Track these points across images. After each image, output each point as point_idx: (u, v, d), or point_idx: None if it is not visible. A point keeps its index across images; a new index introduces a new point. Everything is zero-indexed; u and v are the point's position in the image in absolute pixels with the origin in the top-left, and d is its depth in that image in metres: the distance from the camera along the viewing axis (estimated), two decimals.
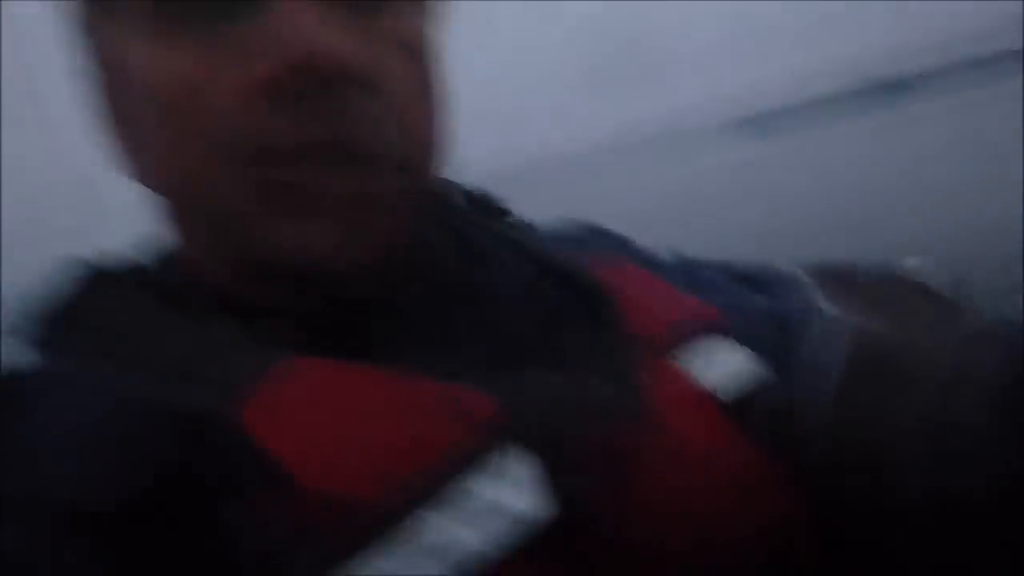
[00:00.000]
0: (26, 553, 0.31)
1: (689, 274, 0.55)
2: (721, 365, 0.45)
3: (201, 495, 0.33)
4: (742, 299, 0.53)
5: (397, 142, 0.39)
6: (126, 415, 0.34)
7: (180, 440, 0.34)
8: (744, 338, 0.47)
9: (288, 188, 0.37)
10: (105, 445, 0.33)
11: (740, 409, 0.43)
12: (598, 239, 0.56)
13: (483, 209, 0.52)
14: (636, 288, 0.48)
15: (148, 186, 0.42)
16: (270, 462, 0.33)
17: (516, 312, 0.45)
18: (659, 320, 0.46)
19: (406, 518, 0.33)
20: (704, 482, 0.39)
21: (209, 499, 0.33)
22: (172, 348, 0.38)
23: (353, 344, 0.39)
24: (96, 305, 0.41)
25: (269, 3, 0.36)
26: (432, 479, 0.33)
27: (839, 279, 0.48)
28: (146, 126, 0.39)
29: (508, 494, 0.34)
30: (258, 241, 0.38)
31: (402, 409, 0.36)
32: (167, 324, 0.40)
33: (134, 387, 0.36)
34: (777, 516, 0.41)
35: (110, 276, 0.43)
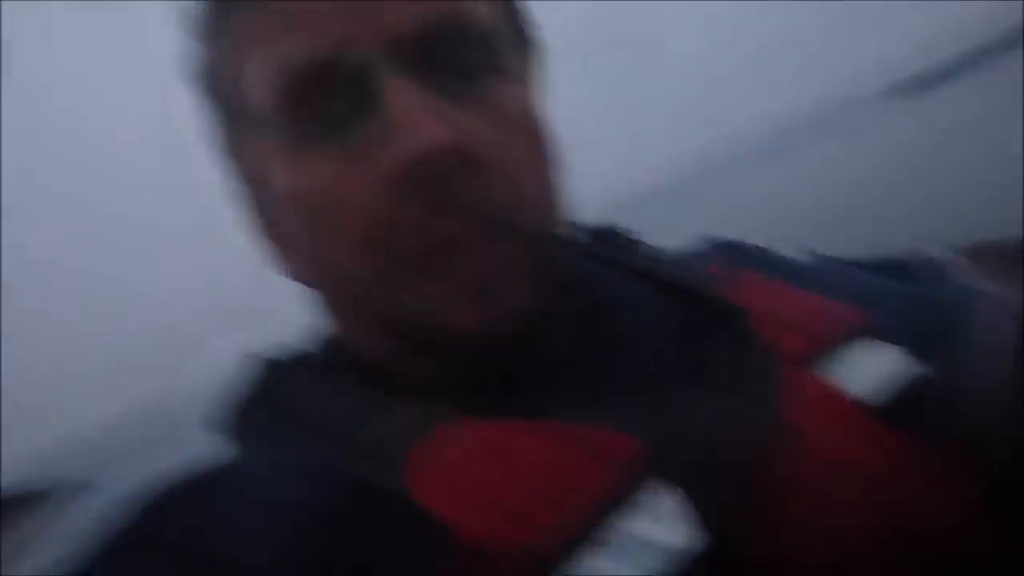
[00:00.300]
0: None
1: (830, 274, 0.54)
2: (869, 369, 0.44)
3: (378, 557, 0.36)
4: (891, 292, 0.51)
5: (518, 208, 0.42)
6: (311, 490, 0.38)
7: (357, 508, 0.37)
8: (897, 333, 0.45)
9: (426, 268, 0.41)
10: (297, 518, 0.37)
11: (896, 412, 0.42)
12: (728, 254, 0.55)
13: (611, 243, 0.53)
14: (770, 301, 0.48)
15: (302, 281, 0.46)
16: (432, 520, 0.36)
17: (654, 344, 0.46)
18: (797, 331, 0.46)
19: (563, 562, 0.34)
20: (855, 495, 0.39)
21: (385, 559, 0.36)
22: (341, 423, 0.42)
23: (502, 400, 0.42)
24: (273, 392, 0.46)
25: (384, 106, 0.40)
26: (584, 522, 0.35)
27: (995, 257, 0.46)
28: (293, 230, 0.44)
29: (659, 529, 0.35)
30: (406, 318, 0.42)
31: (551, 459, 0.38)
32: (335, 402, 0.43)
33: (314, 463, 0.40)
34: (950, 517, 0.40)
35: (283, 365, 0.47)
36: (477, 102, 0.42)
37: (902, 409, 0.42)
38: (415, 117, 0.39)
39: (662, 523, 0.35)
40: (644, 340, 0.46)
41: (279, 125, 0.42)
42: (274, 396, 0.45)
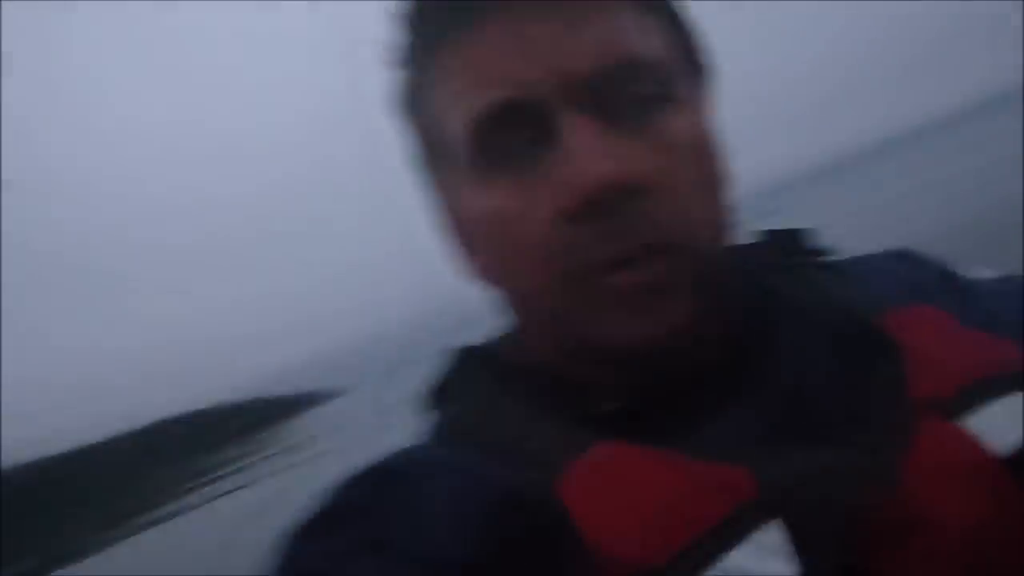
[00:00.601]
0: None
1: (1006, 297, 0.52)
2: (1014, 418, 0.43)
3: (529, 557, 0.42)
4: None
5: (683, 230, 0.45)
6: (479, 490, 0.44)
7: (516, 511, 0.43)
8: None
9: (592, 286, 0.45)
10: (464, 515, 0.43)
11: None
12: (912, 271, 0.55)
13: (790, 253, 0.55)
14: (933, 339, 0.48)
15: (491, 288, 0.52)
16: (578, 532, 0.41)
17: (804, 378, 0.48)
18: (952, 376, 0.45)
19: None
20: (957, 552, 0.40)
21: (534, 561, 0.42)
22: (512, 429, 0.48)
23: (653, 418, 0.46)
24: (457, 386, 0.53)
25: (561, 141, 0.45)
26: (704, 551, 0.40)
27: None
28: (480, 246, 0.51)
29: (764, 564, 0.39)
30: (573, 331, 0.47)
31: (682, 489, 0.42)
32: (509, 407, 0.49)
33: (484, 464, 0.46)
34: None
35: (469, 359, 0.54)
36: (649, 133, 0.46)
37: None
38: (587, 154, 0.44)
39: (768, 558, 0.40)
40: (795, 375, 0.48)
41: (470, 155, 0.47)
42: (455, 390, 0.52)
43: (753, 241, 0.57)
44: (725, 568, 0.39)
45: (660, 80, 0.47)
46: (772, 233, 0.57)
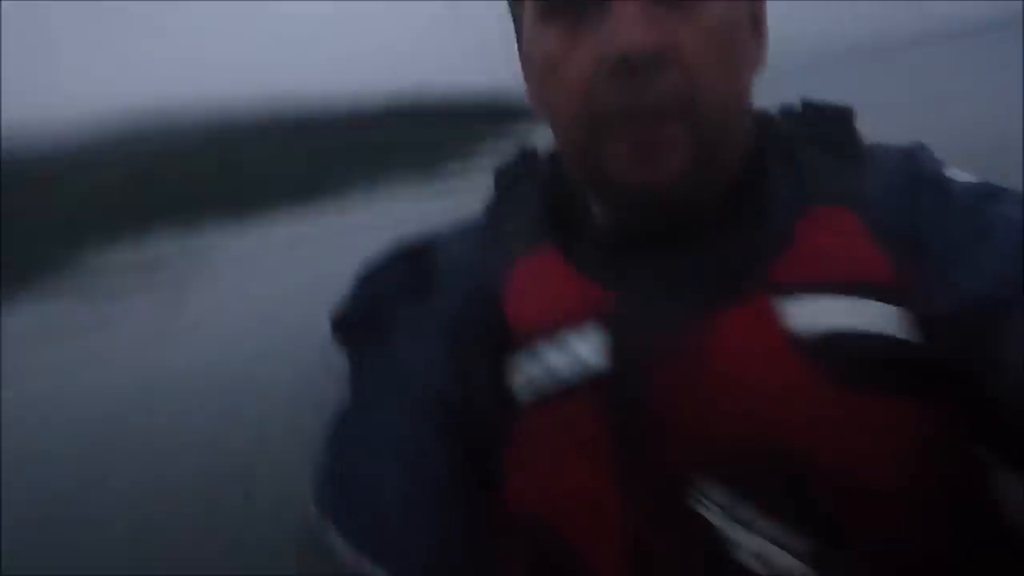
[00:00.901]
0: (397, 425, 0.59)
1: (967, 212, 0.55)
2: (833, 317, 0.53)
3: (485, 348, 0.59)
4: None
5: (699, 100, 0.54)
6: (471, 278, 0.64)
7: (475, 306, 0.61)
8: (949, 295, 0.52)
9: (612, 133, 0.55)
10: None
11: (833, 357, 0.52)
12: (898, 171, 0.60)
13: (815, 129, 0.62)
14: (823, 239, 0.56)
15: (543, 116, 0.62)
16: (506, 320, 0.60)
17: (729, 247, 0.58)
18: (809, 270, 0.55)
19: (546, 342, 0.57)
20: (744, 417, 0.52)
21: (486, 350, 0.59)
22: (515, 226, 0.64)
23: (622, 249, 0.60)
24: (507, 178, 0.69)
25: (612, 4, 0.53)
26: (559, 329, 0.57)
27: None
28: (533, 78, 0.61)
29: (586, 352, 0.56)
30: (590, 165, 0.57)
31: (567, 294, 0.59)
32: (523, 207, 0.65)
33: (480, 256, 0.65)
34: (853, 456, 0.51)
35: (526, 160, 0.70)
36: (687, 14, 0.54)
37: (853, 364, 0.51)
38: (630, 21, 0.52)
39: (589, 351, 0.56)
40: (730, 242, 0.58)
41: (536, 3, 0.57)
42: (504, 183, 0.68)
43: (788, 112, 0.65)
44: (567, 344, 0.57)
45: None
46: (807, 106, 0.64)
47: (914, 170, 0.60)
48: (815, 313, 0.53)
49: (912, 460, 0.52)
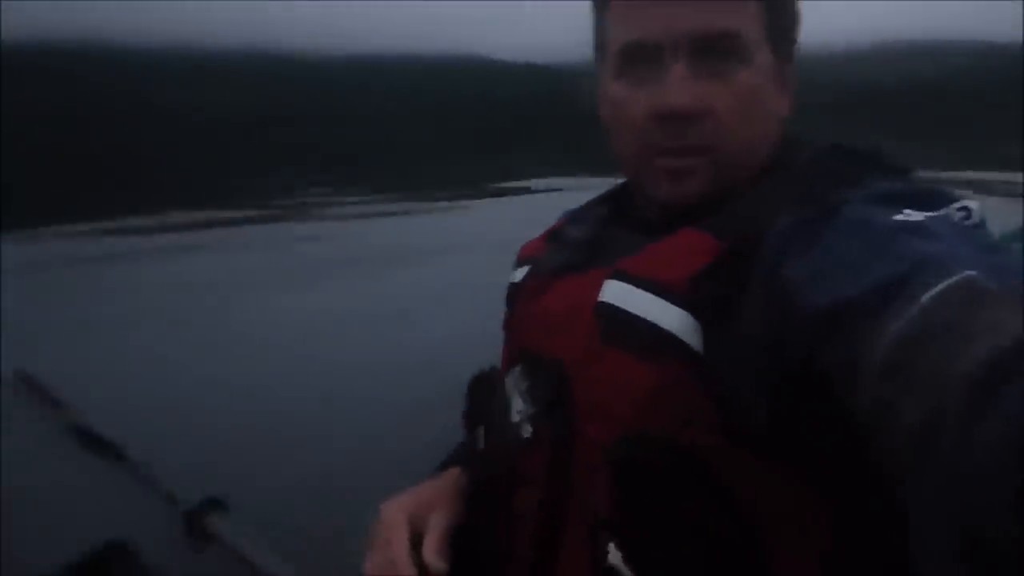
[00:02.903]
0: None
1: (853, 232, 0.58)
2: (627, 301, 0.69)
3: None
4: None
5: (722, 144, 0.74)
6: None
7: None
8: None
9: (654, 163, 0.77)
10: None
11: (610, 323, 0.69)
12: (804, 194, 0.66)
13: (833, 173, 0.69)
14: (668, 244, 0.71)
15: (610, 140, 0.83)
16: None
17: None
18: (635, 268, 0.71)
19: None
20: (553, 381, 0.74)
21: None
22: (582, 230, 0.87)
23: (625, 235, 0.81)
24: (603, 197, 0.93)
25: (665, 73, 0.73)
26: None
27: None
28: (607, 121, 0.83)
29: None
30: (640, 185, 0.81)
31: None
32: (591, 218, 0.88)
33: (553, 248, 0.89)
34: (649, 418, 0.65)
35: (620, 187, 0.91)
36: (722, 82, 0.73)
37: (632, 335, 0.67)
38: (677, 87, 0.72)
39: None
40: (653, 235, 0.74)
41: (615, 63, 0.77)
42: (597, 201, 0.93)
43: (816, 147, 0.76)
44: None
45: (740, 47, 0.73)
46: (835, 148, 0.74)
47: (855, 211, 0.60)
48: (617, 294, 0.70)
49: (642, 406, 0.66)
